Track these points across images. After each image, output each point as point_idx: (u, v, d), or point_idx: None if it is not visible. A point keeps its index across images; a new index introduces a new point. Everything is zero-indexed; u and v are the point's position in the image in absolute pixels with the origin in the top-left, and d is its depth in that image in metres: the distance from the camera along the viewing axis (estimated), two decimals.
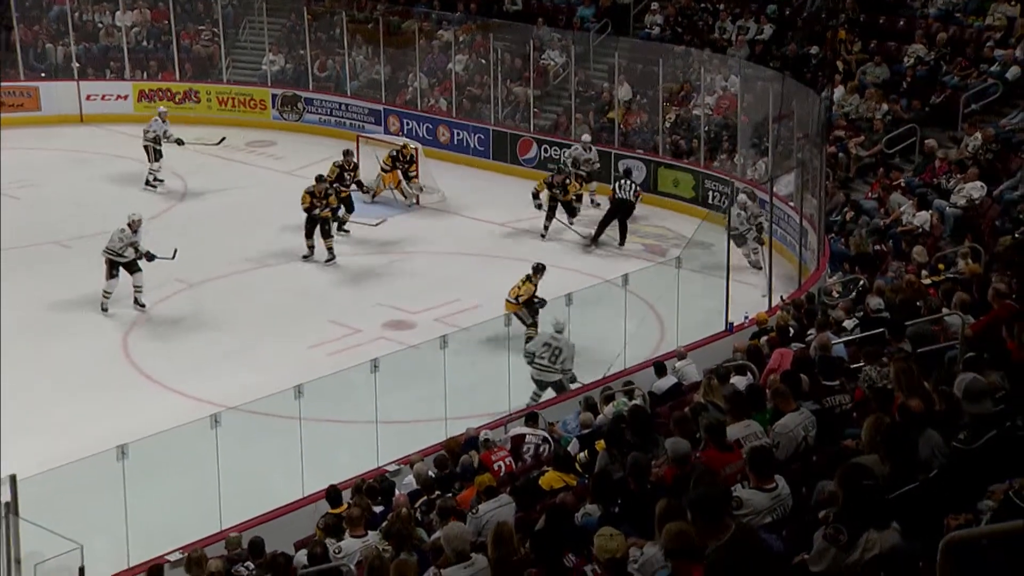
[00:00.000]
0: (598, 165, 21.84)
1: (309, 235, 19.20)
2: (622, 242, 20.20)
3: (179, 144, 22.48)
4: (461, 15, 26.73)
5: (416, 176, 22.02)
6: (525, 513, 8.34)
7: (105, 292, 17.23)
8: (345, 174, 20.62)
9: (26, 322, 16.43)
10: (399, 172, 21.82)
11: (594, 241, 20.23)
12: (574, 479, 9.09)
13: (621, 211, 20.18)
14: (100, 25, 27.80)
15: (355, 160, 21.26)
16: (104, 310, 17.23)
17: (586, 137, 22.25)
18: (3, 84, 26.02)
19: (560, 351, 14.14)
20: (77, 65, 27.02)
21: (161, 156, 22.58)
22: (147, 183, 22.53)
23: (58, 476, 10.56)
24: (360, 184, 20.87)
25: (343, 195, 20.05)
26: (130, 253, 17.16)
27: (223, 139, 23.88)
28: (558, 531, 6.55)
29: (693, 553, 5.24)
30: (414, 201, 21.86)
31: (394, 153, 21.90)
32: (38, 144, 24.69)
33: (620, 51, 24.12)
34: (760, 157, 21.62)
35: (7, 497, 10.06)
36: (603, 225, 20.27)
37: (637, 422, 9.04)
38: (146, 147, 22.50)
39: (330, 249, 19.29)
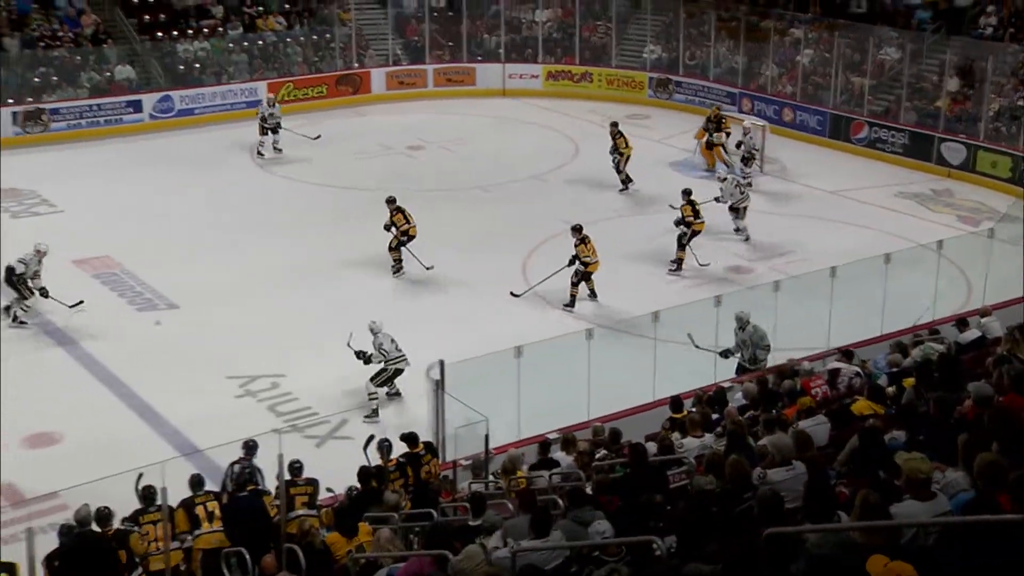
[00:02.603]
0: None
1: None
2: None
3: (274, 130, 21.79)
4: (811, 16, 25.62)
5: (724, 134, 21.22)
6: (837, 432, 7.99)
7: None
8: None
9: (455, 242, 17.33)
10: (707, 132, 21.26)
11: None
12: (882, 408, 8.59)
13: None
14: (523, 20, 28.55)
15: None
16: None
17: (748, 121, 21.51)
18: (451, 64, 27.45)
19: (394, 339, 12.64)
20: (503, 51, 27.93)
21: (266, 133, 21.77)
22: (258, 153, 21.93)
23: (472, 365, 10.91)
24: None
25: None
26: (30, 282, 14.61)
27: (319, 136, 22.52)
28: (870, 449, 6.22)
29: (1001, 481, 4.81)
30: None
31: (710, 117, 21.60)
32: (470, 111, 25.81)
33: (952, 49, 22.40)
34: None
35: (437, 376, 10.71)
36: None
37: (945, 365, 8.43)
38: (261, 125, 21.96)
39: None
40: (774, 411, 9.07)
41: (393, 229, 16.32)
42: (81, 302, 14.92)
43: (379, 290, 15.90)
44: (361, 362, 12.56)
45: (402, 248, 16.41)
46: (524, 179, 20.82)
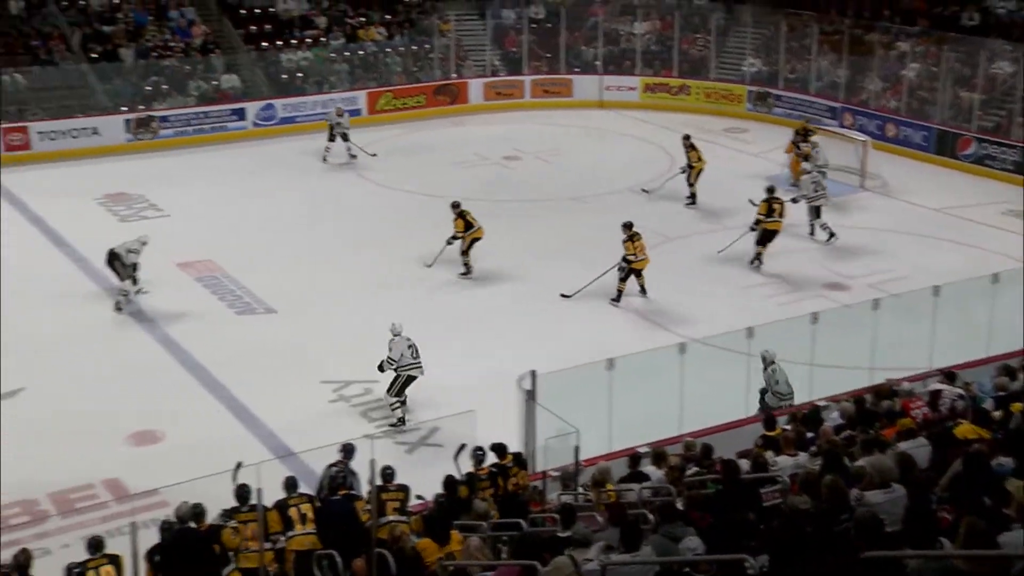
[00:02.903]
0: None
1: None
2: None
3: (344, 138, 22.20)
4: (919, 29, 24.98)
5: (810, 146, 20.72)
6: (939, 456, 7.75)
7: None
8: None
9: (548, 252, 17.34)
10: (796, 146, 20.97)
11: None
12: (988, 433, 8.31)
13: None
14: (622, 33, 28.49)
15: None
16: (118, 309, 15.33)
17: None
18: (549, 76, 27.55)
19: (415, 346, 12.50)
20: (600, 63, 27.89)
21: (334, 140, 22.32)
22: (323, 159, 22.50)
23: (564, 376, 10.89)
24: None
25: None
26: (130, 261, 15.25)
27: (375, 155, 22.70)
28: (975, 474, 6.03)
29: None
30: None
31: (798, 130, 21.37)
32: (567, 122, 25.85)
33: None
34: None
35: (529, 387, 10.71)
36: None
37: None
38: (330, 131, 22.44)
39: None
40: (872, 431, 8.84)
41: (457, 235, 16.59)
42: (140, 289, 15.45)
43: (473, 298, 16.02)
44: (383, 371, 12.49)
45: (469, 250, 16.67)
46: (619, 191, 20.75)
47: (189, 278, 16.71)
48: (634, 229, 15.72)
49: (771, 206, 16.99)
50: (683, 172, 20.13)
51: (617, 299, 15.70)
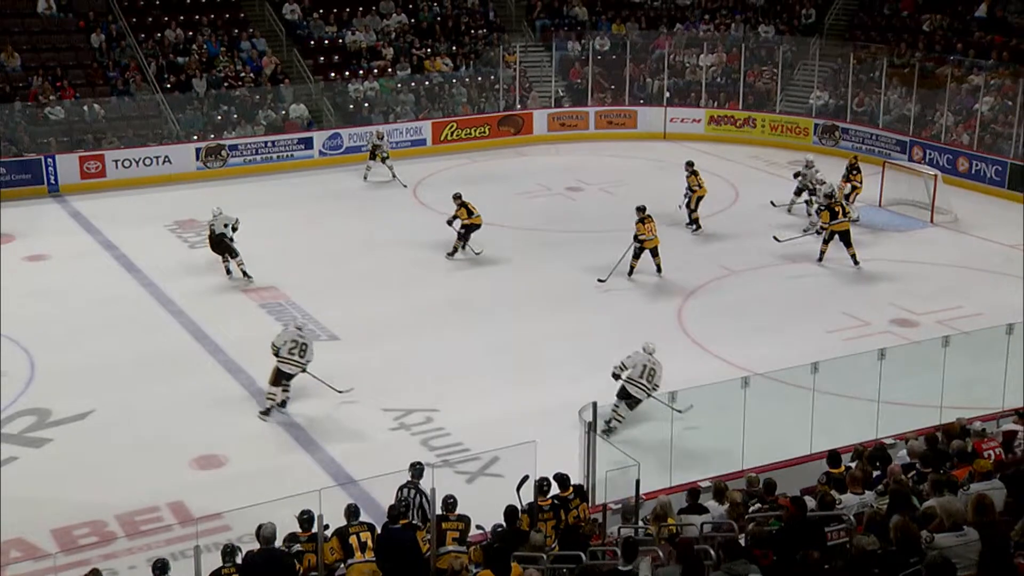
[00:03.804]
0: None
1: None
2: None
3: None
4: (994, 62, 24.57)
5: (857, 184, 20.80)
6: (1014, 499, 7.54)
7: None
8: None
9: (610, 283, 17.31)
10: (846, 183, 20.91)
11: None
12: None
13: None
14: (687, 64, 28.47)
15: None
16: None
17: (811, 156, 21.84)
18: (613, 108, 27.60)
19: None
20: (667, 94, 27.90)
21: (374, 158, 23.64)
22: (364, 177, 23.83)
23: (623, 409, 10.87)
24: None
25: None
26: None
27: (406, 186, 23.13)
28: None
29: None
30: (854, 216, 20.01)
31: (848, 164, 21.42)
32: (631, 154, 25.85)
33: None
34: None
35: (590, 418, 10.67)
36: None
37: None
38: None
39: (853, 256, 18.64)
40: (942, 471, 8.65)
41: (456, 222, 18.66)
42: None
43: (534, 331, 16.00)
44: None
45: (466, 236, 18.75)
46: (682, 223, 20.65)
47: (254, 304, 16.96)
48: (646, 212, 17.81)
49: (832, 209, 18.51)
50: (685, 198, 20.51)
51: (630, 273, 17.87)
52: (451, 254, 18.81)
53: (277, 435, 13.06)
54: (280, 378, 13.35)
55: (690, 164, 20.81)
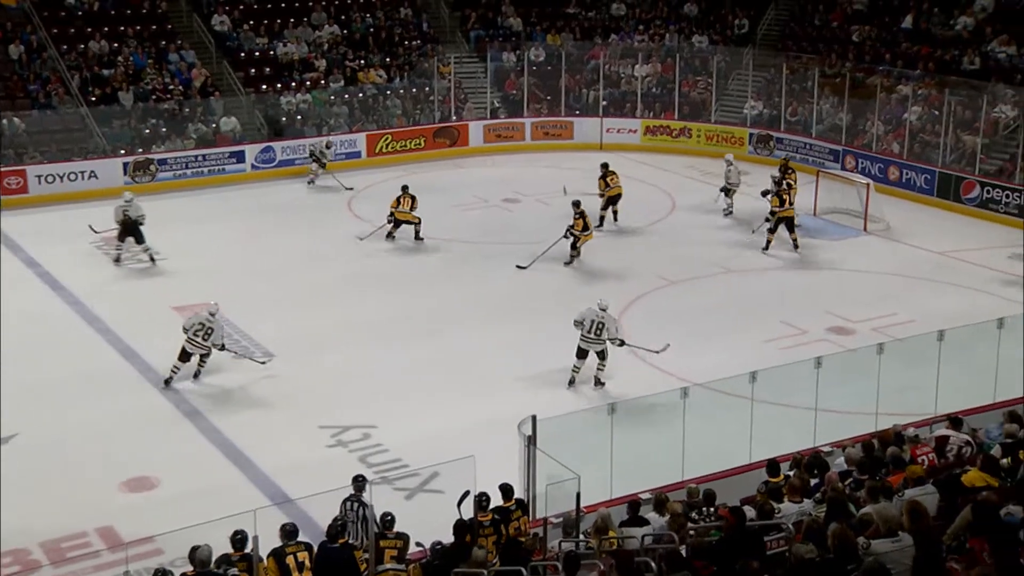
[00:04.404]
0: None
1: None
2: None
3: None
4: (921, 73, 25.20)
5: (792, 182, 21.41)
6: (946, 504, 7.71)
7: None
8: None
9: (551, 294, 17.36)
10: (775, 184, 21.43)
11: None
12: (997, 481, 8.28)
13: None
14: (622, 75, 28.74)
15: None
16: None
17: (729, 156, 22.94)
18: (549, 118, 27.74)
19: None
20: (603, 104, 28.12)
21: (316, 163, 24.51)
22: (309, 181, 24.48)
23: (564, 421, 10.87)
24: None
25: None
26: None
27: (352, 188, 23.88)
28: (983, 523, 5.99)
29: None
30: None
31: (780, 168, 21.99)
32: (567, 164, 25.95)
33: None
34: None
35: (529, 432, 10.67)
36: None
37: None
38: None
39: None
40: (878, 478, 8.80)
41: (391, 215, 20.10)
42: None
43: (473, 344, 15.98)
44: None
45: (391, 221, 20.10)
46: (620, 233, 20.80)
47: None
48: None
49: (781, 196, 19.80)
50: (600, 197, 21.22)
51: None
52: (389, 234, 20.33)
53: (211, 454, 12.86)
54: (185, 355, 14.39)
55: (604, 166, 21.58)
